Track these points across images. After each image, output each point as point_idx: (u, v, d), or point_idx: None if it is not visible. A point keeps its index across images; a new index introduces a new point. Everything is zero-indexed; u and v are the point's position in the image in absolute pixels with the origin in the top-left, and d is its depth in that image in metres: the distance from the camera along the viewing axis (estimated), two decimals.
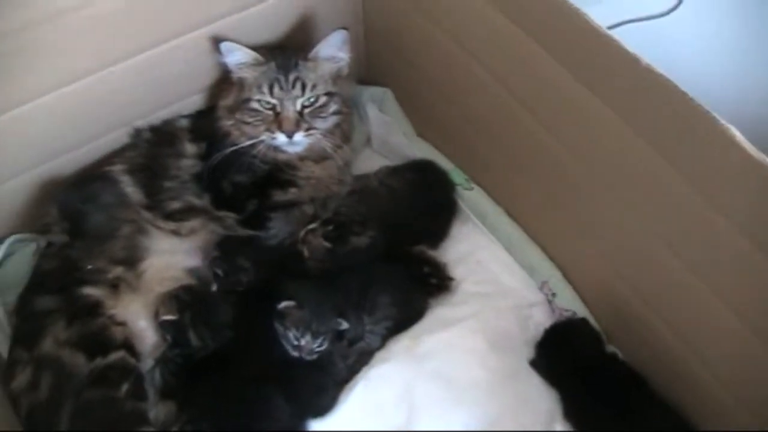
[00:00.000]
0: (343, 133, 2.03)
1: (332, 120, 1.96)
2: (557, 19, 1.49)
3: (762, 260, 1.31)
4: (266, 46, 1.98)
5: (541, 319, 1.86)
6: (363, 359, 1.77)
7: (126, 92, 1.92)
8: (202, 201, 1.93)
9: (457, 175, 2.10)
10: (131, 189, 1.92)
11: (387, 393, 1.72)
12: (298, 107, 1.90)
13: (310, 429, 1.68)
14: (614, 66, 1.40)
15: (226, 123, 1.96)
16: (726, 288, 1.43)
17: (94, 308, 1.73)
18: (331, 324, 1.70)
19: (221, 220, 1.92)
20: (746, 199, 1.31)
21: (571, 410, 1.70)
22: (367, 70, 2.35)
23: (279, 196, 1.94)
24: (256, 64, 1.92)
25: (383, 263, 1.87)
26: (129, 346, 1.70)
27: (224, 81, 2.02)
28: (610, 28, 1.41)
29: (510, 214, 2.01)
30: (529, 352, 1.77)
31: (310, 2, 2.06)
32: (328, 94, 1.93)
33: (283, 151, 1.95)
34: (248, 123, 1.93)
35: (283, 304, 1.69)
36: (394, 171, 2.06)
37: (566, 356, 1.72)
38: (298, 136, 1.90)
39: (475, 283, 1.93)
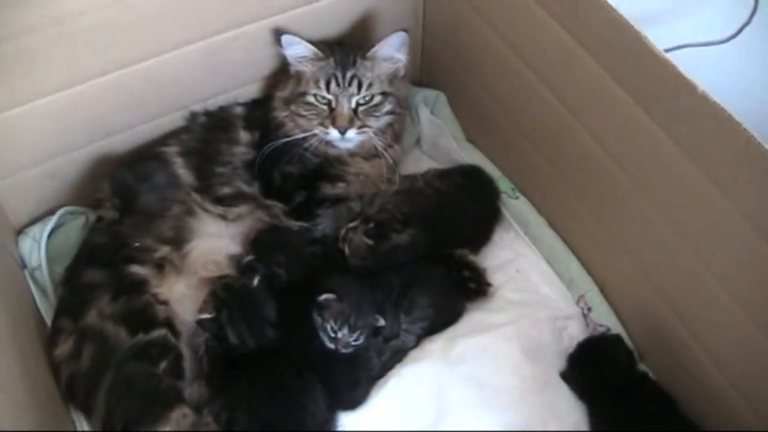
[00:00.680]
0: (395, 132, 2.05)
1: (385, 119, 1.98)
2: (616, 38, 1.49)
3: None
4: (326, 42, 2.01)
5: (575, 332, 1.87)
6: (397, 357, 1.79)
7: (185, 76, 1.96)
8: (252, 188, 1.96)
9: (503, 183, 2.11)
10: (183, 171, 1.96)
11: (418, 392, 1.73)
12: (353, 104, 1.93)
13: (341, 420, 1.70)
14: (670, 90, 1.40)
15: (281, 114, 2.00)
16: None
17: (140, 286, 1.76)
18: (369, 319, 1.73)
19: (269, 209, 1.94)
20: None
21: (597, 425, 1.70)
22: (423, 72, 2.36)
23: (327, 189, 1.97)
24: (315, 58, 1.95)
25: (424, 264, 1.88)
26: (170, 324, 1.73)
27: (282, 72, 2.05)
28: (668, 50, 1.41)
29: (553, 226, 2.02)
30: (560, 364, 1.78)
31: (372, 2, 2.08)
32: (383, 93, 1.95)
33: (334, 146, 1.97)
34: (303, 116, 1.96)
35: (324, 297, 1.71)
36: (441, 174, 2.06)
37: (597, 371, 1.72)
38: (351, 133, 1.92)
39: (513, 291, 1.94)
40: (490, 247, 2.03)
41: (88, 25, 1.71)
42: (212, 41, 1.92)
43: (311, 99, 1.94)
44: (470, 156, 2.18)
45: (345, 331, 1.69)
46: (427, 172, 2.09)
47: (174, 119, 2.05)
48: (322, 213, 1.93)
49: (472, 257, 1.94)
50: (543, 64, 1.80)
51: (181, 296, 1.79)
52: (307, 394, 1.66)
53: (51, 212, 2.02)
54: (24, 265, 1.95)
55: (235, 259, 1.86)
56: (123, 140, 2.01)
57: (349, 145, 1.97)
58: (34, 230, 1.99)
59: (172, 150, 1.98)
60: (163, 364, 1.67)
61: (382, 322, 1.76)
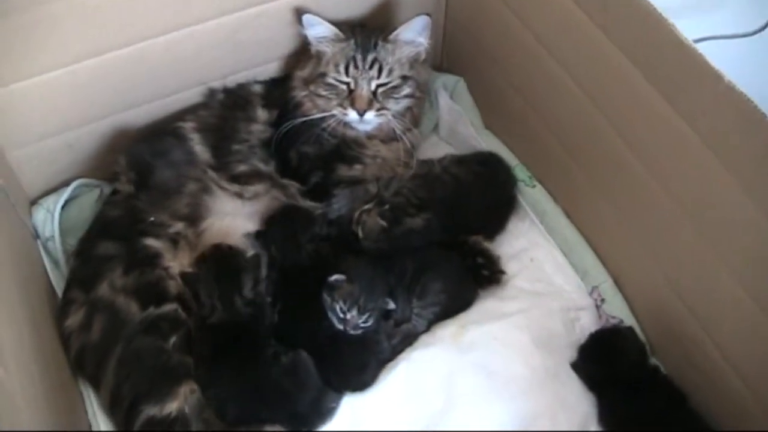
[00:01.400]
0: (414, 116, 2.05)
1: (404, 103, 1.97)
2: (643, 26, 1.48)
3: None
4: (348, 23, 2.00)
5: (587, 324, 1.86)
6: (407, 341, 1.78)
7: (205, 52, 1.95)
8: (268, 167, 1.96)
9: (520, 171, 2.10)
10: (200, 147, 1.95)
11: (427, 377, 1.73)
12: (373, 87, 1.92)
13: (341, 399, 1.71)
14: (695, 80, 1.39)
15: (300, 94, 1.99)
16: None
17: (153, 259, 1.76)
18: (379, 302, 1.73)
19: (285, 188, 1.94)
20: None
21: (606, 417, 1.70)
22: (444, 57, 2.36)
23: (344, 171, 1.97)
24: (336, 40, 1.94)
25: (438, 250, 1.88)
26: (182, 300, 1.73)
27: (303, 52, 2.04)
28: (696, 41, 1.40)
29: (569, 216, 2.01)
30: (571, 355, 1.78)
31: None
32: (403, 77, 1.94)
33: (352, 128, 1.97)
34: (322, 96, 1.95)
35: (334, 277, 1.71)
36: (458, 160, 2.05)
37: (608, 363, 1.72)
38: (369, 115, 1.92)
39: (526, 280, 1.93)
40: (506, 235, 2.02)
41: None
42: (234, 18, 1.91)
43: (331, 80, 1.94)
44: (488, 143, 2.17)
45: (354, 312, 1.69)
46: (444, 157, 2.07)
47: (192, 95, 2.04)
48: (338, 194, 1.93)
49: (486, 244, 1.93)
50: (566, 52, 1.78)
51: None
52: (288, 376, 1.66)
53: (66, 184, 2.02)
54: (37, 236, 1.95)
55: (251, 238, 1.85)
56: (141, 114, 2.01)
57: (368, 128, 1.97)
58: (48, 201, 1.99)
59: (189, 126, 1.97)
60: (173, 339, 1.67)
61: (392, 306, 1.76)
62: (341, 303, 1.70)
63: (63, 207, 1.98)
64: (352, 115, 1.92)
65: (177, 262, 1.79)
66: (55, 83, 1.80)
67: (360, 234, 1.86)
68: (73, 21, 1.71)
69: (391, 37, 1.92)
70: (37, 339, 1.57)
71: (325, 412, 1.68)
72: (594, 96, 1.74)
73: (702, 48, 1.39)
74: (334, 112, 1.94)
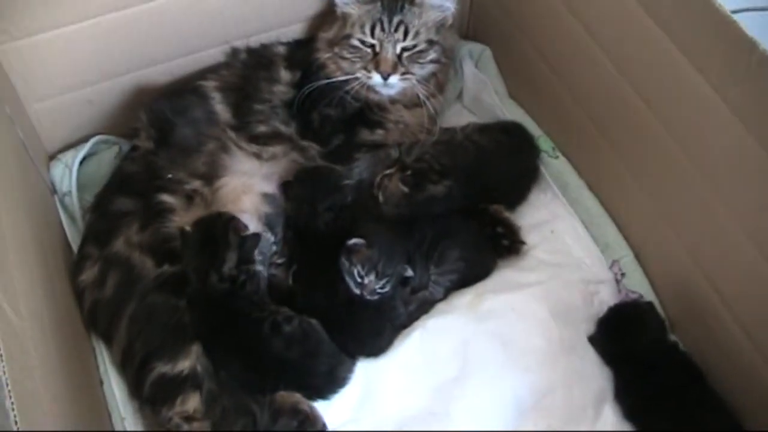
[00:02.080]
0: (438, 83, 2.03)
1: (429, 68, 1.96)
2: None
3: None
4: None
5: (606, 297, 1.85)
6: (424, 308, 1.78)
7: (229, 11, 1.95)
8: (289, 129, 1.95)
9: (544, 142, 2.08)
10: (220, 107, 1.94)
11: (443, 345, 1.73)
12: (398, 50, 1.90)
13: (361, 367, 1.70)
14: (729, 49, 1.37)
15: (324, 55, 1.97)
16: None
17: (167, 214, 1.76)
18: (397, 268, 1.71)
19: (304, 151, 1.93)
20: None
21: (622, 392, 1.69)
22: (470, 25, 2.33)
23: (365, 135, 1.96)
24: (363, 2, 1.92)
25: (458, 217, 1.87)
26: None
27: (328, 14, 2.03)
28: (734, 12, 1.37)
29: (592, 188, 1.99)
30: (589, 328, 1.76)
31: None
32: (429, 41, 1.92)
33: (376, 92, 1.95)
34: (346, 59, 1.93)
35: (353, 241, 1.70)
36: (481, 129, 2.03)
37: (627, 337, 1.70)
38: (394, 79, 1.90)
39: (546, 252, 1.92)
40: (527, 206, 2.01)
41: None
42: None
43: (355, 42, 1.92)
44: (512, 113, 2.16)
45: (372, 277, 1.68)
46: (468, 125, 2.05)
47: (215, 54, 2.03)
48: (359, 158, 1.91)
49: (507, 214, 1.92)
50: (597, 21, 1.76)
51: None
52: (296, 345, 1.64)
53: (84, 140, 2.02)
54: (54, 191, 1.96)
55: (268, 198, 1.85)
56: (163, 71, 2.01)
57: (391, 92, 1.95)
58: (67, 156, 2.00)
59: (210, 84, 1.96)
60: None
61: (410, 273, 1.75)
62: (359, 267, 1.69)
63: (81, 163, 1.99)
64: (376, 78, 1.90)
65: (187, 219, 1.77)
66: (77, 36, 1.80)
67: (381, 198, 1.84)
68: None
69: (418, 0, 1.90)
70: (51, 292, 1.57)
71: (338, 381, 1.68)
72: (622, 66, 1.72)
73: (740, 18, 1.36)
74: (358, 75, 1.92)
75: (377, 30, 1.89)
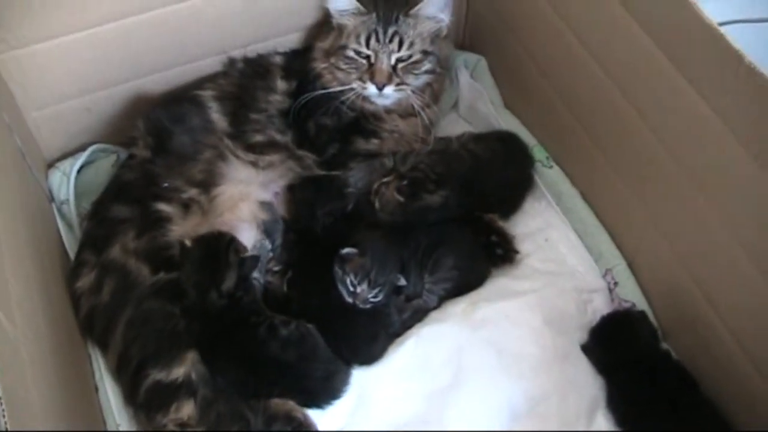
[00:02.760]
0: (434, 92, 2.04)
1: (424, 78, 1.97)
2: (666, 6, 1.48)
3: None
4: None
5: (599, 306, 1.86)
6: (418, 316, 1.79)
7: (227, 20, 1.97)
8: (285, 138, 1.96)
9: (538, 152, 2.09)
10: (217, 116, 1.96)
11: (437, 352, 1.74)
12: (393, 61, 1.91)
13: (354, 374, 1.71)
14: (717, 60, 1.38)
15: (320, 65, 1.99)
16: None
17: (164, 223, 1.77)
18: (390, 277, 1.72)
19: (300, 160, 1.94)
20: None
21: (614, 400, 1.70)
22: (466, 35, 2.35)
23: (360, 144, 1.97)
24: (358, 13, 1.93)
25: (452, 226, 1.88)
26: None
27: (324, 24, 2.04)
28: (721, 24, 1.39)
29: (585, 198, 2.00)
30: (582, 337, 1.77)
31: None
32: (423, 52, 1.94)
33: (371, 102, 1.97)
34: (341, 69, 1.95)
35: (346, 250, 1.71)
36: (476, 138, 2.05)
37: (619, 346, 1.71)
38: (389, 90, 1.92)
39: (540, 260, 1.93)
40: (521, 215, 2.02)
41: None
42: None
43: (351, 53, 1.93)
44: (507, 122, 2.17)
45: (364, 286, 1.69)
46: (463, 135, 2.07)
47: (212, 63, 2.05)
48: (354, 167, 1.93)
49: (501, 223, 1.93)
50: (590, 32, 1.78)
51: None
52: (291, 348, 1.65)
53: (82, 148, 2.04)
54: (52, 198, 1.97)
55: (265, 206, 1.86)
56: (160, 80, 2.02)
57: (387, 102, 1.97)
58: (65, 165, 2.01)
59: (208, 94, 1.98)
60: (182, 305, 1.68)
61: (403, 282, 1.76)
62: (352, 276, 1.70)
63: (79, 171, 2.00)
64: (371, 89, 1.92)
65: (187, 226, 1.79)
66: (75, 45, 1.82)
67: (377, 205, 1.85)
68: None
69: (413, 11, 1.92)
70: (47, 299, 1.58)
71: (334, 391, 1.68)
72: (615, 77, 1.73)
73: (728, 30, 1.37)
74: (354, 85, 1.94)
75: (372, 41, 1.90)
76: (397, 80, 1.92)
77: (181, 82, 2.05)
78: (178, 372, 1.60)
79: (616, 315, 1.80)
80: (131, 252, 1.73)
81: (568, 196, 2.02)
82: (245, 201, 1.85)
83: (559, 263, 1.94)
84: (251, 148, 1.93)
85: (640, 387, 1.65)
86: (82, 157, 2.01)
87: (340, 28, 1.96)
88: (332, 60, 1.96)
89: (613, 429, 1.68)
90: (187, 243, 1.70)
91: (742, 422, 1.59)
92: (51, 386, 1.39)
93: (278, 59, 2.06)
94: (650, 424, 1.61)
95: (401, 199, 1.83)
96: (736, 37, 1.36)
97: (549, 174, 2.06)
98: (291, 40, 2.11)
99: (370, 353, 1.72)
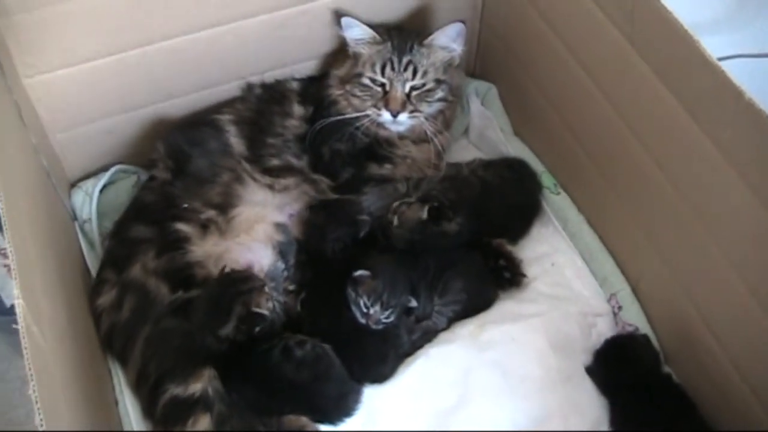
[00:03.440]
0: (446, 119, 2.09)
1: (437, 106, 2.01)
2: (668, 42, 1.51)
3: None
4: (384, 25, 2.04)
5: (604, 330, 1.88)
6: (427, 337, 1.82)
7: (246, 48, 2.01)
8: (301, 162, 2.00)
9: (546, 178, 2.13)
10: (235, 140, 2.00)
11: (444, 373, 1.76)
12: (407, 89, 1.96)
13: (366, 393, 1.73)
14: (717, 95, 1.41)
15: (336, 92, 2.04)
16: None
17: (182, 243, 1.81)
18: (401, 299, 1.75)
19: (315, 183, 1.98)
20: None
21: (617, 421, 1.73)
22: (477, 64, 2.39)
23: (374, 169, 2.01)
24: (373, 42, 1.98)
25: (462, 250, 1.90)
26: None
27: (340, 52, 2.09)
28: (721, 59, 1.42)
29: (591, 224, 2.03)
30: (586, 359, 1.80)
31: None
32: (436, 80, 1.98)
33: (385, 128, 2.01)
34: (357, 96, 2.00)
35: (359, 273, 1.74)
36: (486, 164, 2.08)
37: (622, 368, 1.74)
38: (403, 116, 1.96)
39: (546, 285, 1.96)
40: (529, 240, 2.05)
41: None
42: (275, 15, 1.96)
43: (366, 81, 1.98)
44: (516, 149, 2.21)
45: (377, 308, 1.72)
46: (473, 161, 2.11)
47: (231, 89, 2.09)
48: (368, 191, 1.96)
49: (509, 247, 1.96)
50: (596, 64, 1.81)
51: (218, 257, 1.83)
52: (306, 368, 1.68)
53: (104, 169, 2.09)
54: (75, 217, 2.01)
55: (280, 227, 1.89)
56: (180, 104, 2.07)
57: (400, 128, 2.01)
58: (87, 185, 2.06)
59: (226, 118, 2.02)
60: None
61: (414, 303, 1.79)
62: (365, 298, 1.73)
63: (101, 191, 2.05)
64: (385, 115, 1.96)
65: (206, 246, 1.83)
66: (100, 71, 1.86)
67: (395, 222, 1.86)
68: (122, 11, 1.77)
69: (427, 41, 1.96)
70: (71, 314, 1.62)
71: (346, 410, 1.71)
72: (620, 108, 1.76)
73: (729, 65, 1.40)
74: (368, 112, 1.98)
75: (387, 69, 1.95)
76: (410, 107, 1.96)
77: (201, 106, 2.09)
78: (195, 387, 1.63)
79: (619, 338, 1.83)
80: (151, 271, 1.77)
81: (574, 222, 2.05)
82: (261, 223, 1.88)
83: (565, 287, 1.96)
84: (268, 171, 1.97)
85: (642, 408, 1.68)
86: (104, 178, 2.05)
87: (356, 57, 2.01)
88: (348, 87, 2.01)
89: None
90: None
91: None
92: (77, 399, 1.43)
93: (295, 85, 2.11)
94: None
95: (425, 216, 1.84)
96: (735, 72, 1.38)
97: (556, 200, 2.10)
98: (308, 67, 2.16)
99: (380, 372, 1.75)
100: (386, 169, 2.02)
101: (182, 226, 1.84)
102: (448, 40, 1.98)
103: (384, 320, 1.74)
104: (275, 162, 1.99)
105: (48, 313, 1.38)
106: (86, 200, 2.02)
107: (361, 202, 1.93)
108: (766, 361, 1.54)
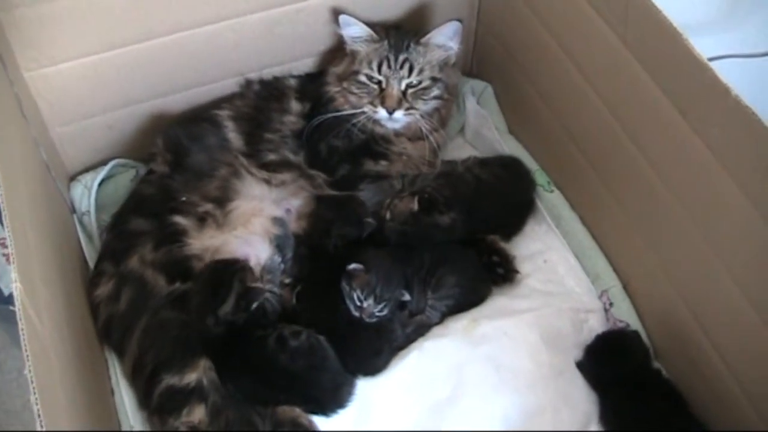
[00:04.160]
0: (441, 117, 2.10)
1: (433, 104, 2.03)
2: (660, 42, 1.53)
3: None
4: (382, 24, 2.06)
5: (595, 326, 1.90)
6: (420, 331, 1.83)
7: (245, 45, 2.02)
8: (297, 157, 2.02)
9: (540, 176, 2.14)
10: (233, 135, 2.02)
11: (438, 366, 1.78)
12: (403, 87, 1.98)
13: (359, 386, 1.75)
14: (707, 94, 1.43)
15: (333, 89, 2.05)
16: None
17: (180, 235, 1.83)
18: (395, 293, 1.77)
19: (312, 179, 2.00)
20: None
21: (607, 415, 1.74)
22: (473, 62, 2.41)
23: (370, 166, 2.02)
24: (370, 40, 2.00)
25: (455, 246, 1.92)
26: None
27: (338, 49, 2.11)
28: (711, 59, 1.44)
29: (584, 221, 2.05)
30: (578, 354, 1.82)
31: None
32: (432, 78, 2.00)
33: (381, 125, 2.03)
34: (353, 93, 2.01)
35: (353, 266, 1.76)
36: (481, 162, 2.09)
37: (613, 364, 1.76)
38: (398, 114, 1.98)
39: (539, 281, 1.97)
40: (522, 237, 2.06)
41: None
42: (274, 12, 1.98)
43: (363, 78, 2.00)
44: (511, 147, 2.22)
45: (370, 301, 1.74)
46: (468, 159, 2.12)
47: (230, 85, 2.11)
48: (364, 187, 1.97)
49: (502, 244, 1.98)
50: (590, 64, 1.83)
51: (215, 250, 1.84)
52: (301, 358, 1.69)
53: (104, 163, 2.10)
54: (73, 210, 2.03)
55: (277, 221, 1.90)
56: (179, 100, 2.08)
57: (396, 126, 2.02)
58: (86, 178, 2.07)
59: (224, 113, 2.04)
60: None
61: (407, 297, 1.81)
62: (358, 291, 1.74)
63: (100, 184, 2.06)
64: (381, 113, 1.98)
65: (203, 239, 1.84)
66: (100, 66, 1.88)
67: (387, 216, 1.88)
68: (123, 6, 1.79)
69: (423, 40, 1.98)
70: (68, 304, 1.63)
71: (340, 401, 1.72)
72: (612, 106, 1.78)
73: (719, 65, 1.42)
74: (365, 109, 2.00)
75: (384, 67, 1.97)
76: (406, 105, 1.98)
77: (200, 101, 2.11)
78: (191, 377, 1.65)
79: (610, 334, 1.85)
80: (149, 263, 1.78)
81: (567, 220, 2.06)
82: (258, 216, 1.89)
83: (557, 284, 1.98)
84: (265, 166, 1.98)
85: (632, 403, 1.70)
86: (103, 171, 2.07)
87: (353, 54, 2.03)
88: (345, 84, 2.03)
89: None
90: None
91: None
92: (73, 387, 1.44)
93: (293, 82, 2.12)
94: None
95: (416, 208, 1.86)
96: (726, 72, 1.40)
97: (550, 198, 2.11)
98: (306, 65, 2.17)
99: (374, 365, 1.76)
100: (382, 165, 2.03)
101: (180, 219, 1.85)
102: (444, 39, 1.99)
103: (377, 314, 1.75)
104: (272, 157, 2.00)
105: (46, 300, 1.39)
106: (85, 193, 2.04)
107: (366, 208, 1.94)
108: (756, 356, 1.55)
